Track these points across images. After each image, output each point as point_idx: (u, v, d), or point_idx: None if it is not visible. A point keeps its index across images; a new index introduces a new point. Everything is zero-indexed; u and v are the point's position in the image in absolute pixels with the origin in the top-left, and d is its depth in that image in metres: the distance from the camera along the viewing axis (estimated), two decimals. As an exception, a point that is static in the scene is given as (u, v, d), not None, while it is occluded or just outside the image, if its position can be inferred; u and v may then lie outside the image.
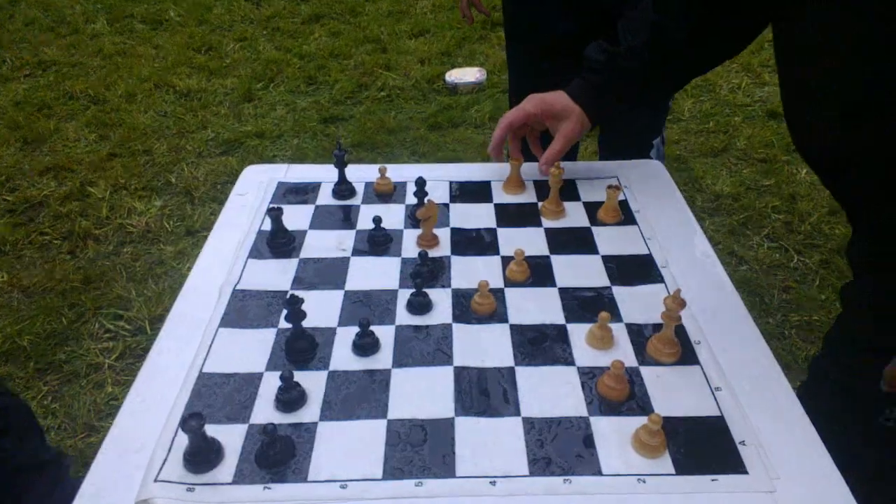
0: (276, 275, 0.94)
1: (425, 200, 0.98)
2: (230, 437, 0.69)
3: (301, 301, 0.78)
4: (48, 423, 1.77)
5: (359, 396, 0.74)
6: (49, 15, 4.30)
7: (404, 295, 0.88)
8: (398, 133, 3.03)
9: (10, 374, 1.91)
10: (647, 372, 0.77)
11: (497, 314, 0.86)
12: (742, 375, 0.76)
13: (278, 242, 0.99)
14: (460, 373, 0.77)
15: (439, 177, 1.14)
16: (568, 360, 0.79)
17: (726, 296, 0.89)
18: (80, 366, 1.94)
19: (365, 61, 3.66)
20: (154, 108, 3.29)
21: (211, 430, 0.67)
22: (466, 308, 0.87)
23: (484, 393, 0.74)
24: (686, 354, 0.79)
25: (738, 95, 3.20)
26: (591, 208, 1.07)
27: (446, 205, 1.08)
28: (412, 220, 1.03)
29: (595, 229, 1.03)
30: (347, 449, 0.68)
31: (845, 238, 2.03)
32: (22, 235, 2.46)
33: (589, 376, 0.77)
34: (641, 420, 0.68)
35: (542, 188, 1.11)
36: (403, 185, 1.13)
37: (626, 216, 1.05)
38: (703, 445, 0.68)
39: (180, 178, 2.78)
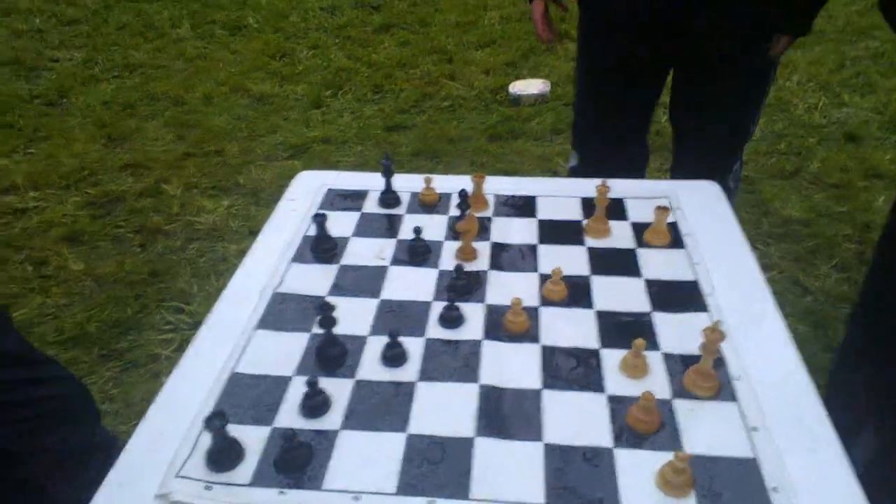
0: (316, 280, 0.95)
1: (466, 213, 0.97)
2: (253, 438, 0.70)
3: (333, 308, 0.79)
4: (106, 409, 1.86)
5: (382, 407, 0.74)
6: (140, 20, 4.57)
7: (437, 307, 0.88)
8: (459, 143, 3.04)
9: (76, 358, 2.02)
10: (680, 405, 0.74)
11: (529, 333, 0.84)
12: (782, 416, 0.71)
13: (321, 248, 1.01)
14: (486, 392, 0.76)
15: (486, 189, 1.13)
16: (598, 387, 0.76)
17: (775, 330, 0.84)
18: (140, 355, 2.03)
19: (430, 71, 3.70)
20: (229, 111, 3.43)
21: (236, 430, 0.69)
22: (499, 325, 0.85)
23: (507, 414, 0.73)
24: (724, 389, 0.75)
25: (814, 116, 3.04)
26: (639, 229, 1.04)
27: (489, 218, 1.07)
28: (453, 232, 1.03)
29: (640, 251, 0.99)
30: (364, 460, 0.68)
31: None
32: (99, 227, 2.61)
33: (619, 406, 0.74)
34: (669, 456, 0.65)
35: (587, 206, 1.08)
36: (448, 196, 1.13)
37: (674, 239, 1.01)
38: (732, 488, 0.64)
39: (248, 180, 2.88)
